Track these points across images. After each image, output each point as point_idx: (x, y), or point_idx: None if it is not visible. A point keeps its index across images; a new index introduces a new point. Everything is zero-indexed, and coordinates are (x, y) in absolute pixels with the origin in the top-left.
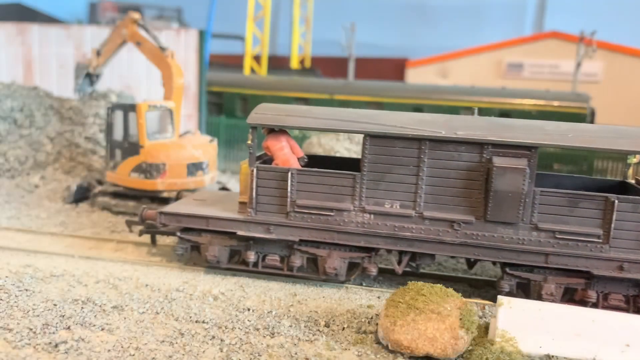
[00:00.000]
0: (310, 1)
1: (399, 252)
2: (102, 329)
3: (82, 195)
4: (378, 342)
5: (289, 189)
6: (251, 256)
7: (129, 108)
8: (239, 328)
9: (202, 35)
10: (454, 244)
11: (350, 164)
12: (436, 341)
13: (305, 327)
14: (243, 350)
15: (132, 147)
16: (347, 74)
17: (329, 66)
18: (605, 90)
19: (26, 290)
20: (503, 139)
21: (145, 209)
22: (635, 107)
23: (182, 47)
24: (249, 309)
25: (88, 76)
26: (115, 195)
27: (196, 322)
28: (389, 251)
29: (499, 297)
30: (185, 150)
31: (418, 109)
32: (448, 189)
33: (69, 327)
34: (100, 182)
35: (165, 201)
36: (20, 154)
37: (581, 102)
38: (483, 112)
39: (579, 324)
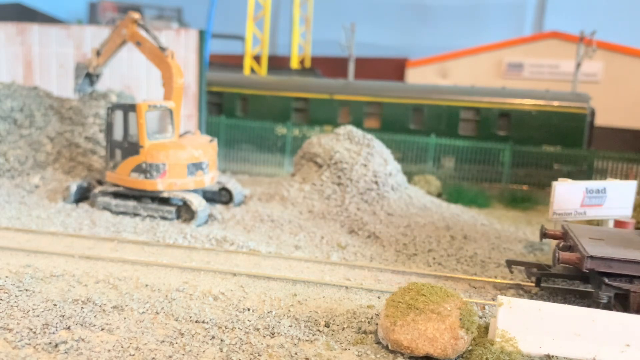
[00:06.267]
0: (310, 1)
1: None
2: (102, 329)
3: (82, 195)
4: (378, 342)
5: None
6: None
7: (129, 108)
8: (239, 328)
9: (202, 35)
10: None
11: None
12: (436, 341)
13: (305, 327)
14: (243, 350)
15: (132, 147)
16: (347, 74)
17: (329, 66)
18: (604, 90)
19: (26, 290)
20: None
21: (559, 252)
22: (635, 107)
23: (182, 47)
24: (249, 309)
25: (88, 76)
26: (115, 195)
27: (196, 322)
28: None
29: (499, 297)
30: (185, 150)
31: (418, 109)
32: None
33: (69, 327)
34: (100, 182)
35: (166, 201)
36: (20, 154)
37: (581, 102)
38: (483, 112)
39: (579, 324)
